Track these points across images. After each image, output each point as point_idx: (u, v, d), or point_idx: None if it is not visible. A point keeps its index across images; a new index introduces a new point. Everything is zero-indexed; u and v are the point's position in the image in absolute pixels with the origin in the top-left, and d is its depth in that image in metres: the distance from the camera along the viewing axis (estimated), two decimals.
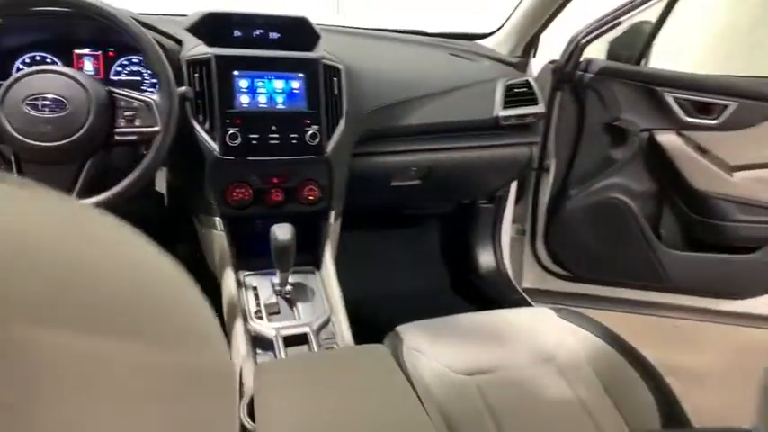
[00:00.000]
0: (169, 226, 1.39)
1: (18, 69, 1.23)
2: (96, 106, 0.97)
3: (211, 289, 1.28)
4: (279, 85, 1.25)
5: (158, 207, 1.20)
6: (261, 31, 1.35)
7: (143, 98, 1.00)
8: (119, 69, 1.29)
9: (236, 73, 1.22)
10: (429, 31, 1.89)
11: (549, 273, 2.04)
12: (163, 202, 1.20)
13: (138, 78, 1.30)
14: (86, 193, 0.98)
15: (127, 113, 1.00)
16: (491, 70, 1.61)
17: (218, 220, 1.25)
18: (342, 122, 1.29)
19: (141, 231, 0.24)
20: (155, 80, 1.32)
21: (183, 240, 1.39)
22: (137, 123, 1.00)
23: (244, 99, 1.22)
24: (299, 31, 1.36)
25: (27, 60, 1.23)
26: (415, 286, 2.02)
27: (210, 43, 1.26)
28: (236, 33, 1.34)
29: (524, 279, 2.08)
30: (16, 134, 0.92)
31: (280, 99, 1.25)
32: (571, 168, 1.84)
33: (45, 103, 0.94)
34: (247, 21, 1.33)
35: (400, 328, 1.18)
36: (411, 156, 1.48)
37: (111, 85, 1.27)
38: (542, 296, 2.07)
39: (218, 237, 1.26)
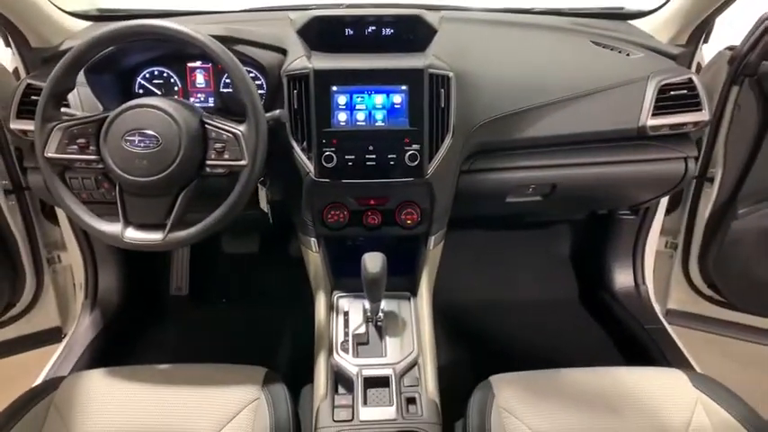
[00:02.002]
0: (277, 241, 1.42)
1: (139, 85, 1.29)
2: (187, 140, 0.96)
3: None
4: (379, 100, 1.15)
5: (266, 223, 1.21)
6: (373, 28, 1.26)
7: (232, 129, 0.98)
8: (227, 81, 1.29)
9: (334, 88, 1.14)
10: (566, 8, 1.61)
11: (701, 296, 1.73)
12: (268, 219, 1.20)
13: None
14: (179, 224, 0.99)
15: (217, 145, 0.99)
16: (643, 65, 1.32)
17: (313, 240, 1.22)
18: (447, 139, 1.16)
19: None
20: (261, 92, 1.30)
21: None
22: (226, 156, 0.98)
23: (341, 117, 1.15)
24: (413, 27, 1.23)
25: (147, 76, 1.28)
26: (535, 295, 1.85)
27: (320, 46, 1.20)
28: (348, 32, 1.26)
29: (670, 299, 1.79)
30: (117, 169, 0.96)
31: (379, 116, 1.16)
32: (743, 181, 1.48)
33: (141, 138, 0.96)
34: (358, 20, 1.24)
35: (494, 380, 1.07)
36: (530, 172, 1.29)
37: (221, 98, 1.30)
38: (688, 320, 1.77)
39: (313, 257, 1.24)
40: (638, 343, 1.57)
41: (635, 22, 1.54)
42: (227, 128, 0.99)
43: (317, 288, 1.23)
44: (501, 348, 1.63)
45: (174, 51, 1.25)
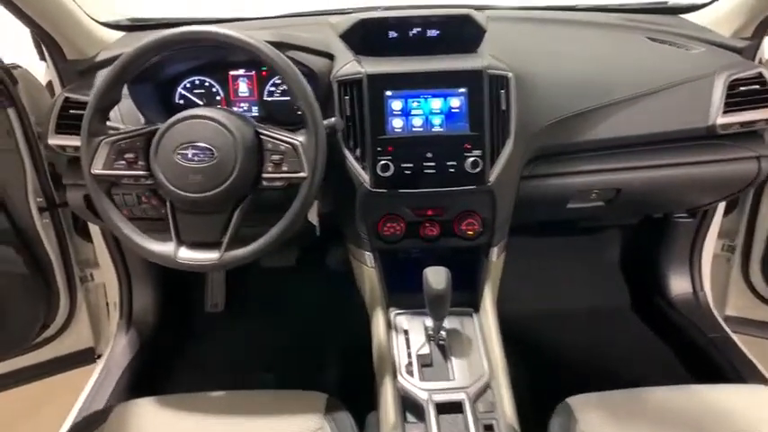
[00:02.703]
0: (323, 255, 1.35)
1: (180, 95, 1.23)
2: (243, 152, 0.90)
3: (364, 322, 1.20)
4: (436, 104, 1.09)
5: (311, 235, 1.14)
6: (418, 30, 1.20)
7: (290, 140, 0.91)
8: (272, 89, 1.23)
9: (388, 93, 1.08)
10: (612, 4, 1.54)
11: (764, 301, 1.64)
12: (315, 231, 1.13)
13: (290, 98, 1.23)
14: (235, 242, 0.93)
15: (274, 157, 0.92)
16: (707, 59, 1.25)
17: (368, 254, 1.15)
18: (509, 144, 1.09)
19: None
20: None
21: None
22: (284, 168, 0.92)
23: (396, 123, 1.09)
24: (460, 28, 1.17)
25: (188, 85, 1.23)
26: (588, 304, 1.77)
27: (364, 50, 1.15)
28: (392, 35, 1.20)
29: (728, 305, 1.70)
30: (169, 185, 0.90)
31: (437, 121, 1.09)
32: None
33: (194, 152, 0.89)
34: (403, 22, 1.18)
35: (573, 402, 0.99)
36: (593, 176, 1.22)
37: (265, 107, 1.23)
38: (748, 327, 1.68)
39: (368, 272, 1.17)
40: (704, 353, 1.48)
41: (688, 17, 1.47)
42: (284, 138, 0.92)
43: (374, 305, 1.16)
44: (562, 362, 1.55)
45: (216, 59, 1.20)
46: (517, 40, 1.24)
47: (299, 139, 0.92)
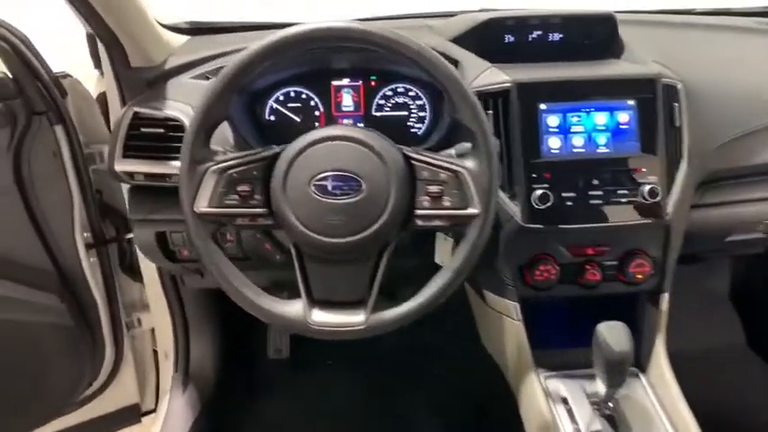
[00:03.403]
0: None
1: (271, 110, 1.02)
2: (397, 182, 0.69)
3: (495, 380, 0.99)
4: (601, 119, 0.89)
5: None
6: (539, 33, 1.01)
7: (453, 166, 0.71)
8: (381, 102, 1.02)
9: (543, 107, 0.88)
10: (736, 8, 1.36)
11: None
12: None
13: (404, 113, 1.03)
14: (384, 299, 0.72)
15: (431, 188, 0.71)
16: None
17: (513, 305, 0.94)
18: (683, 167, 0.90)
19: None
20: (423, 114, 1.03)
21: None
22: (445, 203, 0.71)
23: (553, 143, 0.88)
24: (590, 31, 0.99)
25: (281, 98, 1.02)
26: (699, 344, 1.56)
27: (481, 55, 0.97)
28: (508, 39, 1.01)
29: None
30: (301, 227, 0.69)
31: (602, 140, 0.89)
32: None
33: (336, 183, 0.68)
34: (522, 23, 0.99)
35: None
36: (765, 205, 1.02)
37: (372, 123, 1.03)
38: None
39: (512, 327, 0.95)
40: None
41: None
42: (446, 164, 0.71)
43: (521, 367, 0.95)
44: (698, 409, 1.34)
45: (317, 67, 0.99)
46: (670, 46, 1.04)
47: (465, 165, 0.71)
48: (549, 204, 0.86)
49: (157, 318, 1.37)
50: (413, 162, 0.72)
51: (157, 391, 1.43)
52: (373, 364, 1.50)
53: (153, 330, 1.44)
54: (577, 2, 1.31)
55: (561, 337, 0.86)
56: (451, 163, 0.71)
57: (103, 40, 0.97)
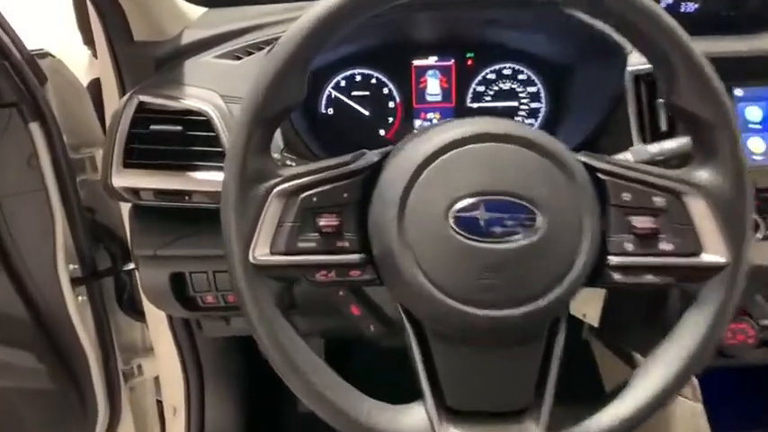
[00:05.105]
0: None
1: (329, 100, 0.74)
2: (591, 213, 0.42)
3: None
4: None
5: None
6: (668, 2, 0.76)
7: (679, 185, 0.43)
8: (479, 90, 0.74)
9: (738, 93, 0.61)
10: None
11: None
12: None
13: (513, 104, 0.75)
14: (558, 404, 0.44)
15: (639, 222, 0.43)
16: None
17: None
18: None
19: None
20: (537, 105, 0.75)
21: None
22: (664, 246, 0.43)
23: (756, 145, 0.61)
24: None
25: (342, 83, 0.74)
26: None
27: None
28: None
29: None
30: (430, 286, 0.41)
31: None
32: None
33: (495, 216, 0.40)
34: None
35: None
36: None
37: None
38: None
39: (687, 412, 0.67)
40: None
41: None
42: (665, 181, 0.44)
43: None
44: None
45: (393, 41, 0.71)
46: None
47: (699, 180, 0.43)
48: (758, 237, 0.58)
49: (164, 363, 1.08)
50: (602, 178, 0.44)
51: None
52: None
53: (156, 378, 1.16)
54: None
55: (743, 421, 0.59)
56: (675, 179, 0.44)
57: (98, 6, 0.69)
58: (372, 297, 0.60)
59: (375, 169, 0.45)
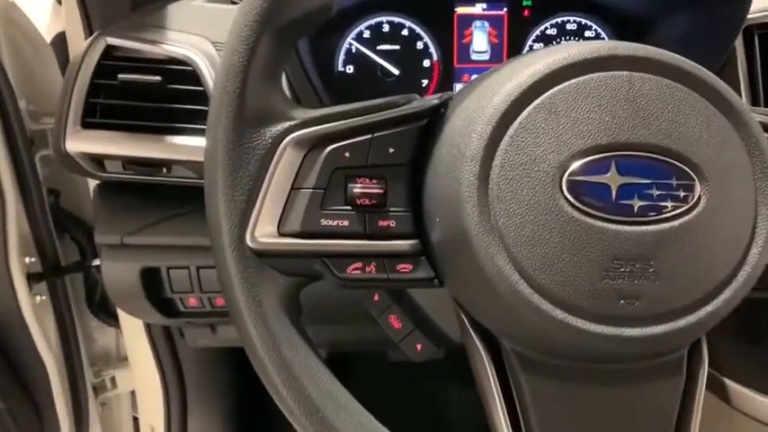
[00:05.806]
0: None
1: (349, 55, 0.59)
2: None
3: None
4: None
5: None
6: None
7: None
8: (536, 47, 0.60)
9: None
10: None
11: None
12: None
13: None
14: None
15: None
16: None
17: None
18: None
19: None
20: None
21: None
22: None
23: None
24: None
25: (366, 35, 0.59)
26: None
27: None
28: None
29: None
30: (529, 288, 0.26)
31: None
32: None
33: (634, 182, 0.26)
34: None
35: None
36: None
37: None
38: None
39: None
40: None
41: None
42: None
43: None
44: None
45: None
46: None
47: None
48: None
49: (141, 375, 0.93)
50: None
51: None
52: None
53: (133, 392, 1.01)
54: None
55: None
56: None
57: None
58: (421, 304, 0.44)
59: (437, 115, 0.30)
